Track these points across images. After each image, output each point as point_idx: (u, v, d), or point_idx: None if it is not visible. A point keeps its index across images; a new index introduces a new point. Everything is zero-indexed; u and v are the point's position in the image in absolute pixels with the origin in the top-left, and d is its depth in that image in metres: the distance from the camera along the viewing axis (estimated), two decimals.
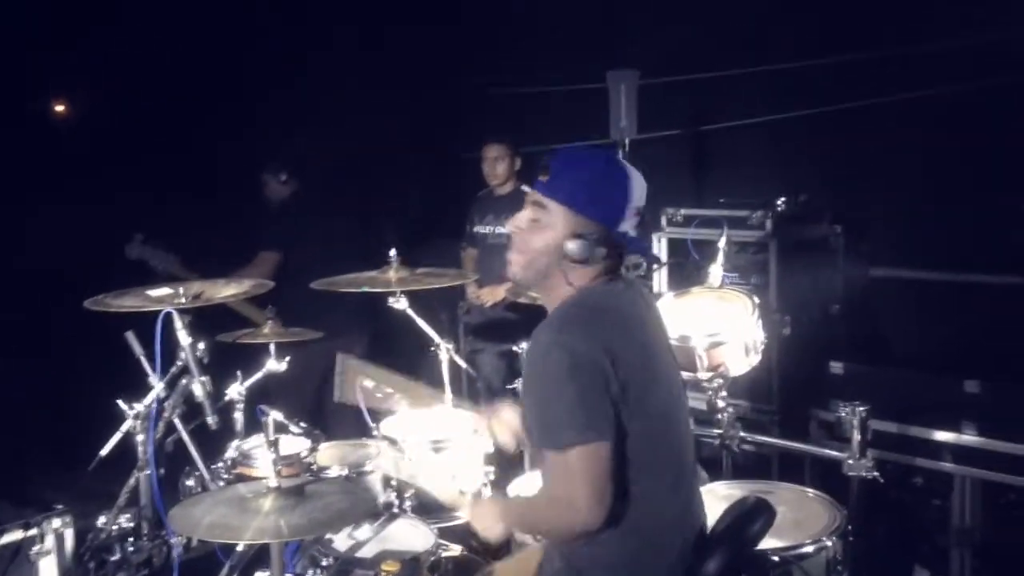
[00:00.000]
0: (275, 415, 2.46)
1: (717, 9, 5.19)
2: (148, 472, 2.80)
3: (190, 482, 2.96)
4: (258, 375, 3.21)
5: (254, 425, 3.05)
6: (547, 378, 1.96)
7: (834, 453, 2.96)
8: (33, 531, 2.95)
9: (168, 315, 2.71)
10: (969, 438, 3.50)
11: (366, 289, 3.21)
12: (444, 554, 2.72)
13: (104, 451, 2.78)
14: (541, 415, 1.99)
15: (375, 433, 3.14)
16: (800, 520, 2.71)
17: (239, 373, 3.16)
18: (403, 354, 4.86)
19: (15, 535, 2.91)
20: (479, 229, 5.00)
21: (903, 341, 4.47)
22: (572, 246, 2.01)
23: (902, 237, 4.59)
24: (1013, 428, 3.40)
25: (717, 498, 2.73)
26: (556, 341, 1.96)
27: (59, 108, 5.59)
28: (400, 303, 3.25)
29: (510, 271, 2.15)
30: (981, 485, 3.48)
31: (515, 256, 2.11)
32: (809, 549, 2.56)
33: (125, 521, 2.77)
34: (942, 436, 3.55)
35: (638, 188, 2.07)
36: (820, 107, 4.98)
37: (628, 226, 2.07)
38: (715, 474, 3.15)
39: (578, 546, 2.04)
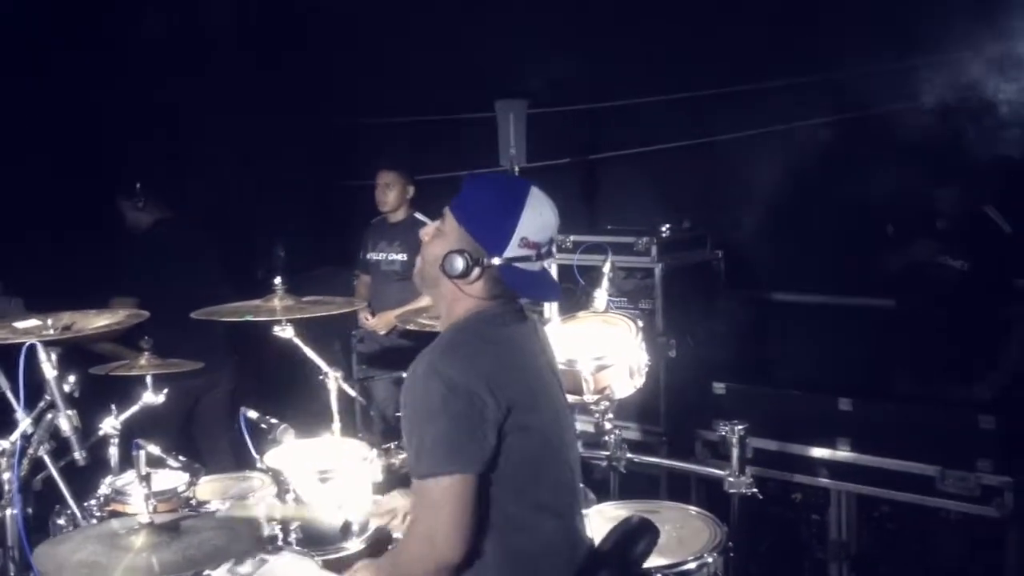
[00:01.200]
0: (152, 449, 2.37)
1: (605, 40, 5.34)
2: (14, 511, 2.65)
3: (61, 521, 2.81)
4: (134, 408, 3.09)
5: (130, 460, 2.93)
6: (421, 407, 1.97)
7: (715, 471, 3.04)
8: None
9: (32, 348, 2.59)
10: (843, 454, 3.65)
11: (249, 317, 3.14)
12: None
13: None
14: (413, 443, 1.99)
15: (259, 464, 3.06)
16: (683, 538, 2.76)
17: (113, 406, 3.03)
18: (293, 383, 4.78)
19: None
20: (372, 256, 4.97)
21: (782, 361, 4.65)
22: (448, 259, 2.06)
23: (780, 261, 4.79)
24: (884, 444, 3.57)
25: (605, 519, 2.77)
26: (434, 369, 1.97)
27: None
28: (286, 332, 3.19)
29: (414, 275, 2.23)
30: (856, 499, 3.63)
31: (417, 261, 2.21)
32: (691, 566, 2.61)
33: None
34: (818, 452, 3.70)
35: (533, 222, 2.07)
36: (704, 137, 5.18)
37: (514, 256, 2.07)
38: (603, 495, 3.19)
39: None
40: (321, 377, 3.25)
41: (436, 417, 1.93)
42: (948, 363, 3.92)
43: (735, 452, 2.92)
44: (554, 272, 4.50)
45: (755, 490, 2.94)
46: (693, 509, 2.98)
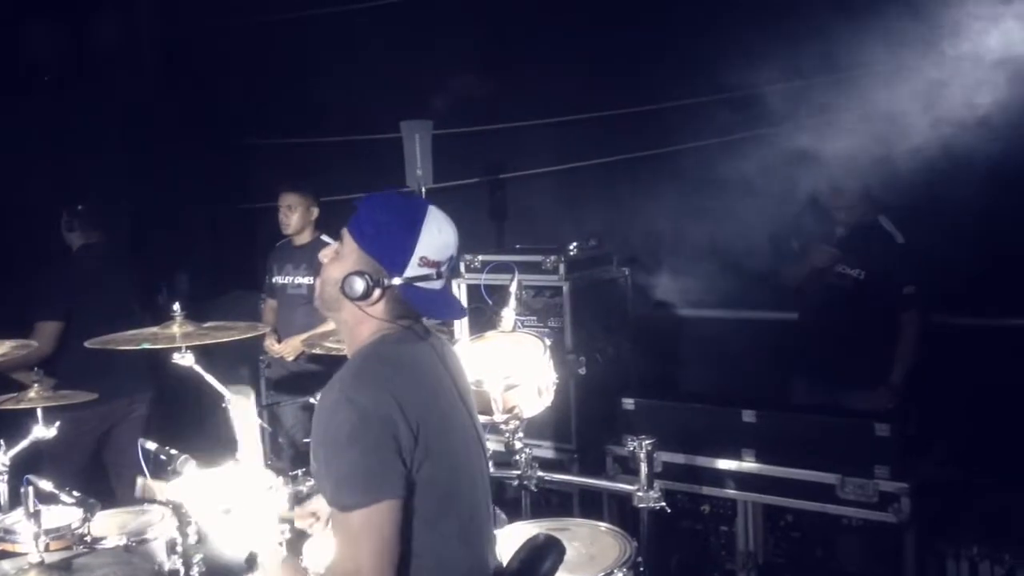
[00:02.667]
0: (44, 484, 2.26)
1: (508, 62, 5.39)
2: None
3: None
4: (24, 443, 2.95)
5: (20, 498, 2.79)
6: (334, 437, 1.93)
7: (624, 486, 3.07)
8: None
9: None
10: (749, 465, 3.73)
11: (147, 346, 3.03)
12: None
13: None
14: (328, 474, 1.94)
15: (159, 498, 2.95)
16: (594, 554, 2.78)
17: (1, 442, 2.89)
18: (197, 411, 4.65)
19: None
20: (278, 279, 4.88)
21: (688, 376, 4.75)
22: (348, 281, 2.03)
23: (686, 277, 4.89)
24: (787, 454, 3.66)
25: (517, 539, 2.75)
26: (344, 398, 1.93)
27: None
28: (185, 359, 3.09)
29: (315, 299, 2.20)
30: (762, 509, 3.72)
31: (317, 284, 2.17)
32: None
33: None
34: (724, 464, 3.77)
35: (433, 241, 2.06)
36: (609, 156, 5.27)
37: (414, 275, 2.05)
38: (515, 515, 3.18)
39: None
40: (224, 404, 3.16)
41: (350, 447, 1.90)
42: (845, 372, 4.06)
43: (643, 466, 2.95)
44: (463, 291, 4.54)
45: (663, 504, 2.97)
46: (603, 525, 3.00)
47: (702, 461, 3.79)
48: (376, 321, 2.07)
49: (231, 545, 2.69)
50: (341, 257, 2.09)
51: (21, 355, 3.11)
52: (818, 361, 4.17)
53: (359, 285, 2.02)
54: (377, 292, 2.04)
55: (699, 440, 3.81)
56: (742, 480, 3.74)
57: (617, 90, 5.17)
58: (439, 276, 2.08)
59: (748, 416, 3.77)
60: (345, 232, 2.10)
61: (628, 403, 3.99)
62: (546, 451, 4.17)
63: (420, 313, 2.12)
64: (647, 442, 2.95)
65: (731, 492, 3.75)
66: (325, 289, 2.12)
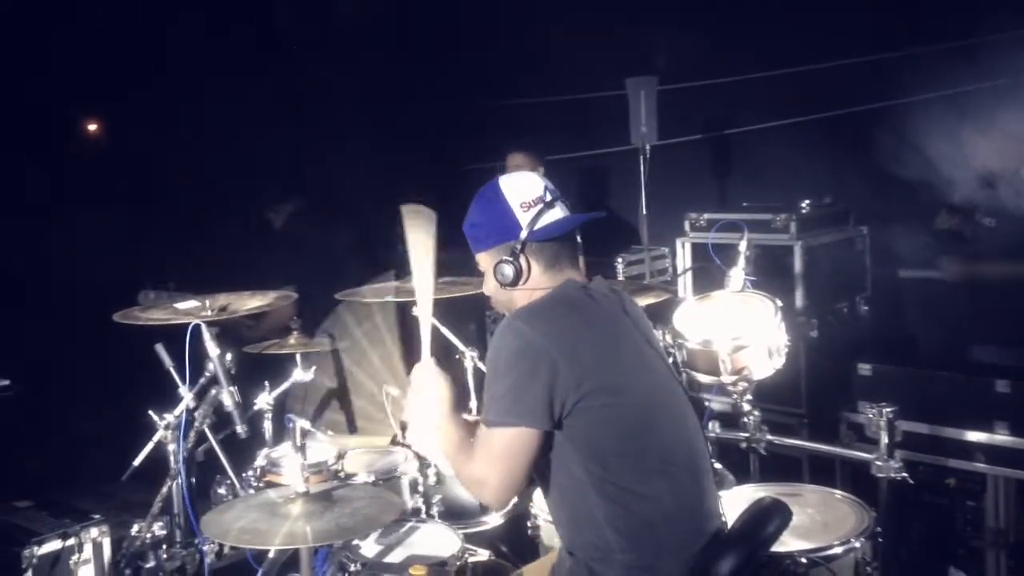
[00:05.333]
0: (302, 423, 2.49)
1: (734, 14, 5.20)
2: (179, 481, 2.84)
3: (221, 490, 3.00)
4: (285, 384, 3.25)
5: (282, 434, 3.09)
6: (494, 359, 2.08)
7: (862, 455, 2.94)
8: (72, 540, 3.03)
9: (196, 327, 2.76)
10: (1002, 438, 3.46)
11: (390, 299, 3.24)
12: (471, 559, 2.73)
13: (137, 461, 2.83)
14: (486, 389, 2.11)
15: (400, 440, 3.16)
16: (828, 522, 2.69)
17: (267, 383, 3.19)
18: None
19: (54, 544, 2.99)
20: None
21: (930, 341, 4.42)
22: (498, 272, 2.18)
23: (928, 236, 4.54)
24: None
25: (744, 501, 2.72)
26: (513, 327, 2.08)
27: (91, 127, 5.69)
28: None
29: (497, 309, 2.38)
30: (1015, 485, 3.45)
31: (491, 303, 2.34)
32: (838, 551, 2.54)
33: (158, 529, 2.81)
34: (974, 436, 3.51)
35: (515, 188, 2.19)
36: (840, 109, 4.97)
37: (529, 220, 2.15)
38: (743, 477, 3.13)
39: (587, 545, 2.09)
40: (457, 356, 3.32)
41: (507, 371, 2.04)
42: None
43: (883, 435, 2.81)
44: (687, 250, 4.47)
45: (905, 475, 2.82)
46: (838, 493, 2.89)
47: (948, 432, 3.55)
48: (544, 285, 2.18)
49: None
50: (485, 275, 2.26)
51: (283, 306, 3.40)
52: None
53: (507, 269, 2.17)
54: (522, 260, 2.17)
55: (944, 410, 3.57)
56: (993, 453, 3.46)
57: (849, 39, 4.86)
58: (549, 205, 2.18)
59: (1002, 386, 3.48)
60: (476, 255, 2.27)
61: (864, 368, 3.80)
62: (774, 415, 4.05)
63: (561, 235, 2.19)
64: (888, 410, 2.82)
65: (981, 466, 3.49)
66: (498, 300, 2.27)
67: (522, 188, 2.19)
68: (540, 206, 2.17)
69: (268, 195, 4.64)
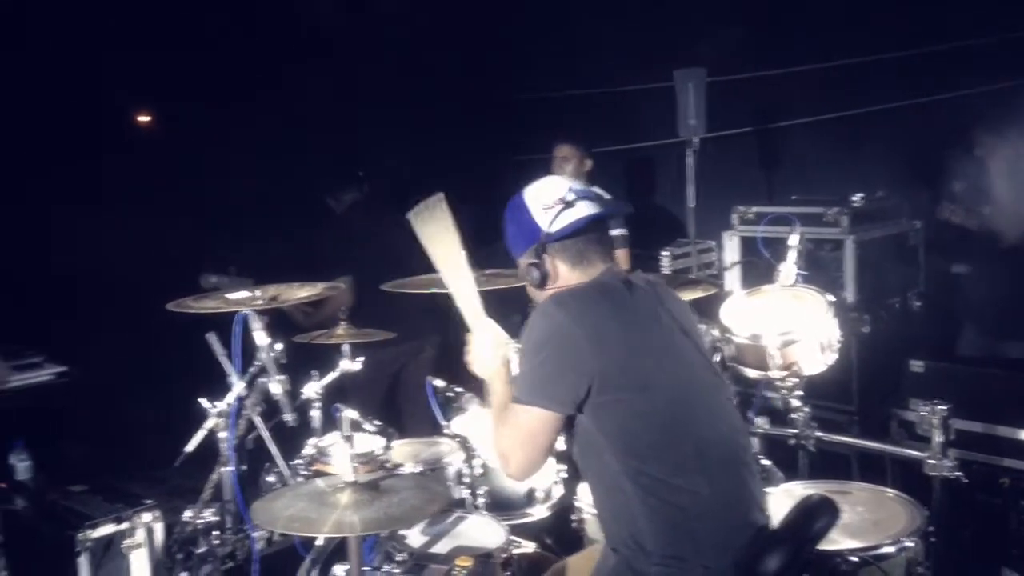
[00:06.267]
0: (350, 413, 2.51)
1: (783, 5, 5.12)
2: (230, 468, 2.88)
3: (270, 478, 3.04)
4: (333, 374, 3.28)
5: (331, 423, 3.11)
6: (527, 339, 2.16)
7: (914, 453, 2.89)
8: (125, 525, 3.09)
9: (246, 316, 2.80)
10: None
11: (435, 290, 3.24)
12: (516, 551, 2.74)
13: (189, 448, 2.88)
14: (519, 367, 2.19)
15: (446, 431, 3.18)
16: (879, 520, 2.64)
17: (315, 372, 3.22)
18: None
19: (108, 529, 3.06)
20: None
21: (985, 338, 4.32)
22: (527, 276, 2.27)
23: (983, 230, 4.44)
24: None
25: (793, 498, 2.68)
26: (547, 310, 2.14)
27: (143, 118, 5.78)
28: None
29: None
30: None
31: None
32: (890, 549, 2.50)
33: (210, 515, 2.86)
34: None
35: (538, 194, 2.25)
36: (891, 102, 4.87)
37: (550, 220, 2.20)
38: (791, 474, 3.10)
39: (626, 538, 2.10)
40: None
41: (537, 352, 2.11)
42: None
43: (937, 433, 2.76)
44: (735, 244, 4.42)
45: (959, 474, 2.77)
46: (889, 491, 2.84)
47: (1003, 431, 3.48)
48: (575, 282, 2.22)
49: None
50: (523, 279, 2.33)
51: (332, 296, 3.43)
52: None
53: (533, 271, 2.24)
54: (547, 261, 2.22)
55: (1000, 409, 3.49)
56: None
57: (903, 32, 4.76)
58: (570, 204, 2.22)
59: None
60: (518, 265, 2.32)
61: (917, 365, 3.73)
62: (823, 411, 3.99)
63: (581, 230, 2.21)
64: (941, 408, 2.76)
65: None
66: (536, 299, 2.32)
67: (544, 192, 2.26)
68: (560, 207, 2.22)
69: (327, 184, 4.65)
